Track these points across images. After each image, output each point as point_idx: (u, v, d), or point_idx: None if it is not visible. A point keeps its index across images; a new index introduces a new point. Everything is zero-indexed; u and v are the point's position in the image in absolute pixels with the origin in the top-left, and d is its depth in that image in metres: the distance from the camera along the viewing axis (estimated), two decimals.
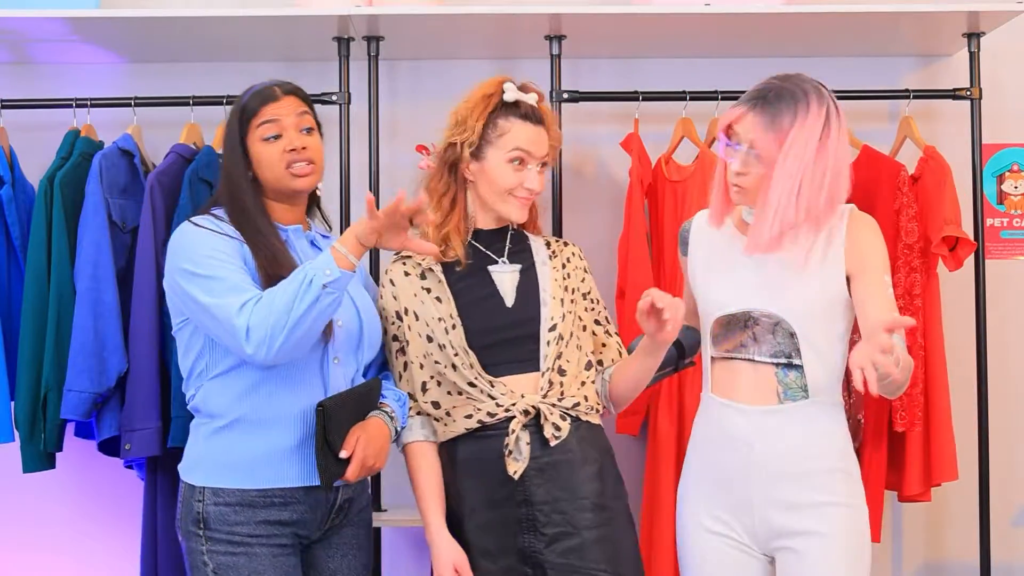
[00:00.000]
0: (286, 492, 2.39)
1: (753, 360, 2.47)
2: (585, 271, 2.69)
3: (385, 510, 3.34)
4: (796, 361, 2.45)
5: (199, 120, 3.32)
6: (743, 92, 3.30)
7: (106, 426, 3.07)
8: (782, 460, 2.43)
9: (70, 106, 3.30)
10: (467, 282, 2.59)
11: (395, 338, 2.61)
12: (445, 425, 2.54)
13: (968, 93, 3.36)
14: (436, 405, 2.55)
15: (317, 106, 3.25)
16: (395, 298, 2.60)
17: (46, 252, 3.12)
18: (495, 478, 2.49)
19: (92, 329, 3.05)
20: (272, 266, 2.39)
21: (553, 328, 2.54)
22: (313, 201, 2.67)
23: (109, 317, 3.07)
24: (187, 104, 3.29)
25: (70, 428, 3.20)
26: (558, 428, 2.48)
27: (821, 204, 2.40)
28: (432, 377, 2.55)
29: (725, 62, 3.52)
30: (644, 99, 3.35)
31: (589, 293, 2.67)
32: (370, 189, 3.35)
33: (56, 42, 3.36)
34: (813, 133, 2.39)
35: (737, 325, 2.47)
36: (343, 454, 2.37)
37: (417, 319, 2.57)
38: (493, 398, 2.50)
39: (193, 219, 2.46)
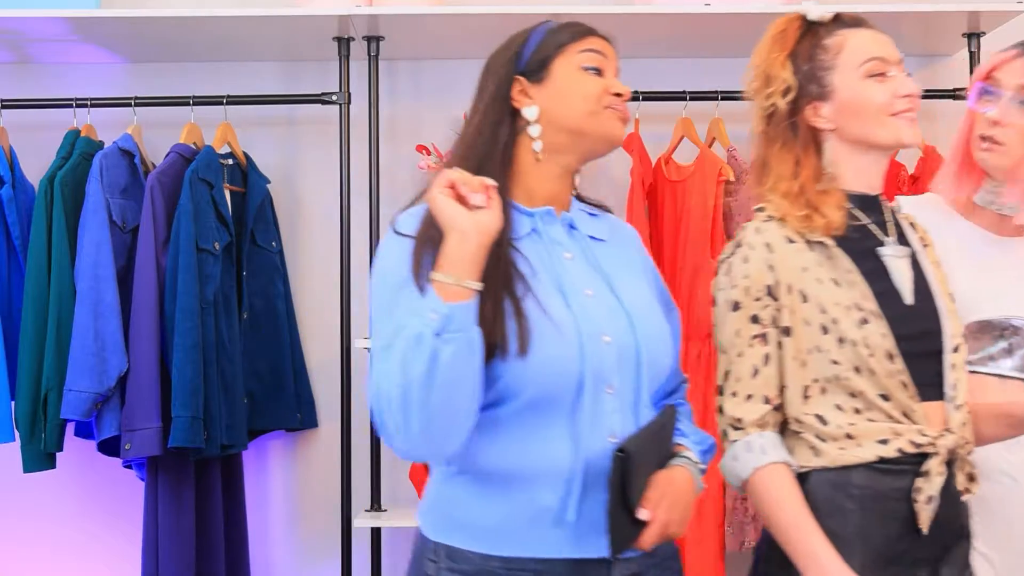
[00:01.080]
0: (542, 564, 1.78)
1: (1003, 376, 2.09)
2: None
3: (385, 510, 3.35)
4: None
5: (199, 120, 3.33)
6: (744, 93, 3.31)
7: (106, 426, 3.08)
8: None
9: (70, 106, 3.31)
10: (856, 265, 1.99)
11: (755, 319, 1.94)
12: (841, 448, 1.90)
13: (967, 93, 3.30)
14: (822, 420, 1.92)
15: (316, 106, 3.40)
16: (771, 268, 1.94)
17: (46, 252, 3.14)
18: (893, 526, 1.90)
19: (92, 329, 3.06)
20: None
21: (957, 349, 1.98)
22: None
23: (110, 317, 3.08)
24: (187, 104, 3.31)
25: (70, 428, 3.21)
26: (972, 479, 1.96)
27: None
28: (817, 381, 1.92)
29: (725, 62, 3.42)
30: (644, 99, 3.32)
31: None
32: (370, 188, 3.37)
33: (56, 42, 3.36)
34: None
35: (990, 332, 2.10)
36: (643, 515, 1.75)
37: (806, 301, 1.93)
38: (916, 423, 1.90)
39: (403, 214, 1.87)
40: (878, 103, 1.96)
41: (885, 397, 1.89)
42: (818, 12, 2.02)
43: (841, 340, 1.89)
